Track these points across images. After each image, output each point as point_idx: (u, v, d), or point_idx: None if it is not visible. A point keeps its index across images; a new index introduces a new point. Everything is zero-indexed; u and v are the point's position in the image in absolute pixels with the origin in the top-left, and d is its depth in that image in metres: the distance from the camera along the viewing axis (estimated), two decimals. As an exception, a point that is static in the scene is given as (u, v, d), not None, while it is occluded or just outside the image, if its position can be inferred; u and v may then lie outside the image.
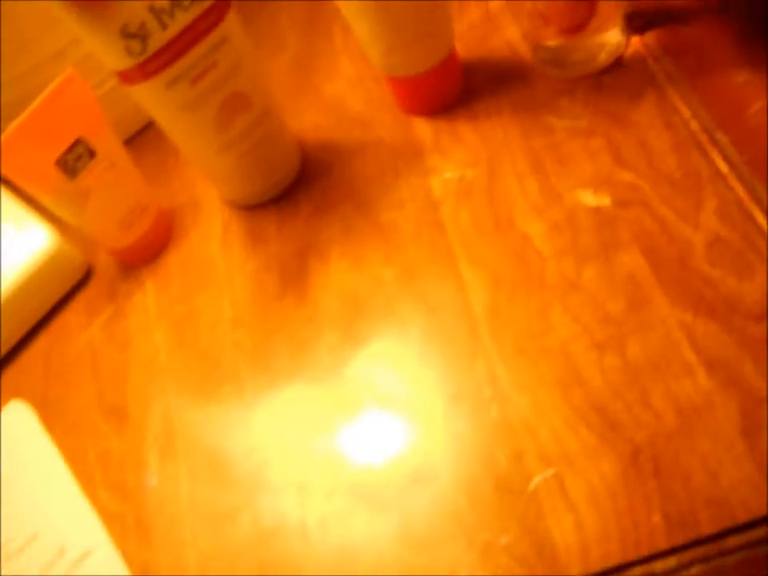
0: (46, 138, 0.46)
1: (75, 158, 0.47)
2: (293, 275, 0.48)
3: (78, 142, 0.47)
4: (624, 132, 0.46)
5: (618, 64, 0.49)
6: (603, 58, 0.48)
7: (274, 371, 0.45)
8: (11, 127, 0.45)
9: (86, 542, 0.43)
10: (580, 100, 0.49)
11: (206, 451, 0.44)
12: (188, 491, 0.43)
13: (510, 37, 0.53)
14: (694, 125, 0.45)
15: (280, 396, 0.44)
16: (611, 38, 0.48)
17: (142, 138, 0.59)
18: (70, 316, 0.53)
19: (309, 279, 0.48)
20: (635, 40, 0.49)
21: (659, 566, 0.34)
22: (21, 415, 0.48)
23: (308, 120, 0.55)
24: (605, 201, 0.44)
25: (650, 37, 0.49)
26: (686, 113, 0.45)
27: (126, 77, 0.44)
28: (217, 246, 0.52)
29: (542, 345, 0.41)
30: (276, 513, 0.41)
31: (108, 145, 0.48)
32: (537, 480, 0.37)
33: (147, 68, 0.43)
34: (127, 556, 0.42)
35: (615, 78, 0.49)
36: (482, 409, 0.40)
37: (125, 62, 0.43)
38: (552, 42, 0.48)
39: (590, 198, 0.45)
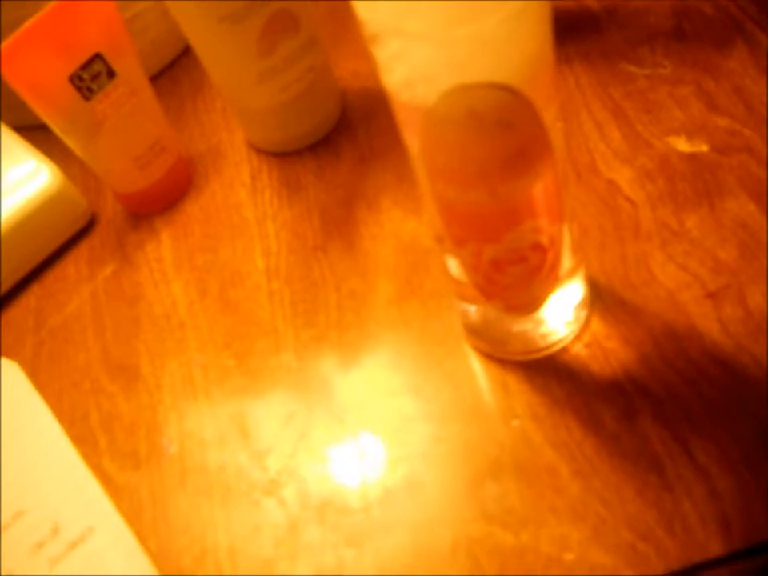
0: (61, 47, 0.39)
1: (92, 76, 0.41)
2: (337, 224, 0.42)
3: (96, 58, 0.41)
4: (715, 80, 0.42)
5: (700, 15, 0.45)
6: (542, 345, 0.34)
7: (321, 326, 0.38)
8: (20, 30, 0.38)
9: (88, 520, 0.35)
10: (661, 48, 0.44)
11: (237, 413, 0.37)
12: (216, 459, 0.35)
13: (574, -12, 0.49)
14: (796, 72, 0.40)
15: (330, 352, 0.37)
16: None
17: (156, 82, 0.52)
18: (69, 267, 0.45)
19: (357, 229, 0.41)
20: None
21: (821, 540, 0.28)
22: (7, 374, 0.41)
23: (347, 68, 0.49)
24: (701, 147, 0.39)
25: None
26: (785, 59, 0.41)
27: (164, -22, 0.38)
28: (244, 194, 0.45)
29: (645, 295, 0.35)
30: (327, 486, 0.34)
31: (130, 68, 0.42)
32: (655, 443, 0.31)
33: (190, -32, 0.37)
34: (140, 536, 0.34)
35: (697, 27, 0.44)
36: (581, 363, 0.34)
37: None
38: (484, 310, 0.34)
39: (683, 145, 0.40)
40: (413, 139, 0.27)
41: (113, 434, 0.38)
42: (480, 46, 0.23)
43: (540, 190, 0.27)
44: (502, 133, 0.25)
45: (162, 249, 0.44)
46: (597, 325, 0.35)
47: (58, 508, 0.36)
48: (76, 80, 0.40)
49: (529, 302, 0.32)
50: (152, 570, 0.33)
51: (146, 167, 0.44)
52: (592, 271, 0.36)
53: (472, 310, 0.34)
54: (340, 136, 0.46)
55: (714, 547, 0.28)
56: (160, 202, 0.46)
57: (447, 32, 0.22)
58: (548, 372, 0.34)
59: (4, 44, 0.38)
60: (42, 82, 0.40)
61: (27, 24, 0.38)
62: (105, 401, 0.39)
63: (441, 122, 0.25)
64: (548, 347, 0.34)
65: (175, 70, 0.54)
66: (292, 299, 0.40)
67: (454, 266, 0.32)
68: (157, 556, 0.33)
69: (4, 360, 0.41)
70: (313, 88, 0.44)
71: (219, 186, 0.46)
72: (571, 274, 0.33)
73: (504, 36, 0.23)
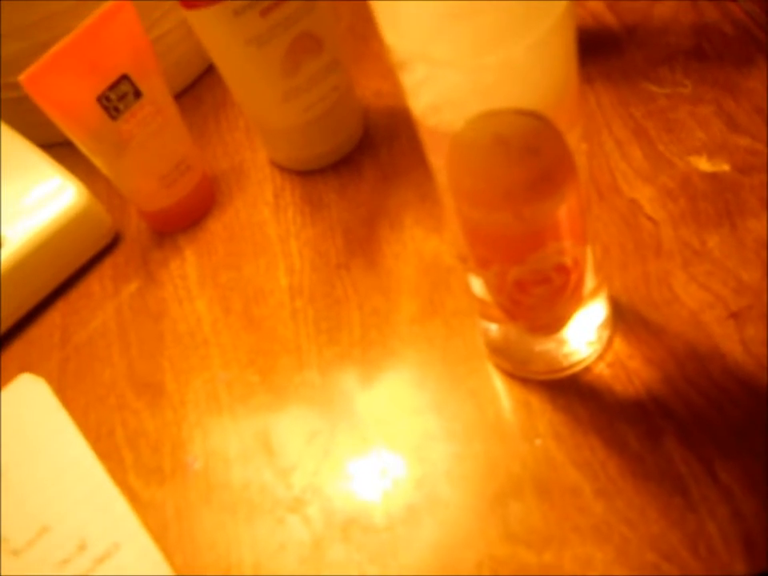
0: (89, 68, 0.40)
1: (119, 97, 0.41)
2: (360, 243, 0.42)
3: (123, 79, 0.41)
4: (736, 99, 0.42)
5: (720, 35, 0.45)
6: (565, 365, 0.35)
7: (345, 344, 0.39)
8: (50, 52, 0.39)
9: (114, 536, 0.35)
10: (681, 67, 0.44)
11: (261, 431, 0.37)
12: (241, 476, 0.36)
13: (593, 7, 0.49)
14: (818, 91, 0.41)
15: (353, 370, 0.38)
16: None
17: (179, 101, 0.53)
18: (94, 284, 0.46)
19: (380, 247, 0.42)
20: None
21: None
22: (33, 390, 0.41)
23: (369, 87, 0.50)
24: (723, 166, 0.39)
25: (750, 4, 0.45)
26: (807, 79, 0.41)
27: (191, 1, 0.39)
28: (268, 212, 0.46)
29: (667, 315, 0.35)
30: (351, 504, 0.34)
31: (156, 88, 0.43)
32: (679, 463, 0.31)
33: (216, -10, 0.38)
34: (165, 552, 0.34)
35: (717, 46, 0.45)
36: (604, 383, 0.34)
37: (193, -19, 0.37)
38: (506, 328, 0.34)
39: (704, 164, 0.40)
40: (438, 162, 0.27)
41: (138, 450, 0.38)
42: (507, 72, 0.23)
43: (564, 212, 0.28)
44: (529, 158, 0.25)
45: (186, 266, 0.44)
46: (619, 345, 0.35)
47: (83, 524, 0.36)
48: (103, 100, 0.41)
49: (552, 323, 0.32)
50: (177, 587, 0.33)
51: (171, 186, 0.45)
52: (614, 290, 0.36)
53: (495, 329, 0.35)
54: (362, 155, 0.47)
55: (739, 568, 0.28)
56: (184, 220, 0.46)
57: (474, 59, 0.23)
58: (571, 391, 0.34)
59: (34, 66, 0.38)
60: (71, 103, 0.40)
61: (57, 46, 0.39)
62: (130, 417, 0.39)
63: (467, 148, 0.25)
64: (571, 367, 0.34)
65: (198, 89, 0.55)
66: (315, 317, 0.40)
67: (477, 285, 0.32)
68: (182, 572, 0.34)
69: (30, 376, 0.42)
70: (336, 107, 0.44)
71: (242, 204, 0.47)
72: (594, 294, 0.33)
73: (531, 62, 0.23)
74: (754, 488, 0.30)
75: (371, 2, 0.23)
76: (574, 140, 0.26)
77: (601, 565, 0.30)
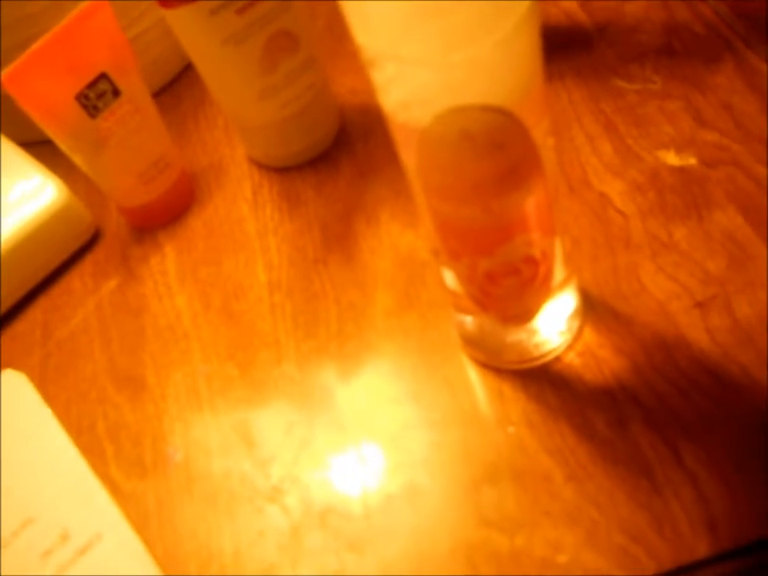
0: (68, 67, 0.41)
1: (98, 95, 0.42)
2: (337, 238, 0.43)
3: (101, 77, 0.42)
4: (704, 95, 0.43)
5: (690, 33, 0.46)
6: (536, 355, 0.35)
7: (322, 337, 0.39)
8: (29, 51, 0.39)
9: (96, 527, 0.36)
10: (651, 64, 0.45)
11: (241, 422, 0.38)
12: (221, 467, 0.36)
13: (566, 6, 0.50)
14: (782, 87, 0.42)
15: (330, 363, 0.38)
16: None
17: (158, 99, 0.53)
18: (74, 280, 0.46)
19: (356, 242, 0.42)
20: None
21: (806, 542, 0.29)
22: (15, 386, 0.42)
23: (345, 84, 0.51)
24: (690, 161, 0.40)
25: (720, 4, 0.47)
26: (772, 76, 0.42)
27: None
28: (246, 208, 0.46)
29: (636, 305, 0.36)
30: (329, 493, 0.35)
31: (134, 86, 0.43)
32: (646, 449, 0.32)
33: (192, -10, 0.38)
34: (147, 542, 0.35)
35: (687, 44, 0.46)
36: (574, 372, 0.35)
37: (169, -20, 0.38)
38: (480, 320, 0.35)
39: (672, 158, 0.41)
40: (409, 158, 0.28)
41: (119, 443, 0.39)
42: (474, 69, 0.24)
43: (531, 205, 0.28)
44: (495, 153, 0.26)
45: (166, 262, 0.45)
46: (589, 334, 0.36)
47: (66, 515, 0.37)
48: (82, 99, 0.41)
49: (523, 313, 0.33)
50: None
51: (149, 182, 0.45)
52: (584, 282, 0.37)
53: (468, 320, 0.35)
54: (339, 151, 0.47)
55: (702, 549, 0.29)
56: (163, 216, 0.47)
57: (443, 57, 0.24)
58: (542, 380, 0.35)
59: (14, 64, 0.39)
60: (50, 101, 0.41)
61: (36, 44, 0.39)
62: (111, 411, 0.40)
63: (435, 143, 0.26)
64: (542, 356, 0.35)
65: (177, 87, 0.55)
66: (293, 311, 0.41)
67: (449, 278, 0.33)
68: (164, 561, 0.34)
69: (12, 372, 0.42)
70: (312, 105, 0.45)
71: (221, 200, 0.47)
72: (563, 285, 0.34)
73: (497, 60, 0.24)
74: (717, 472, 0.31)
75: (341, 2, 0.24)
76: (540, 135, 0.27)
77: (571, 547, 0.31)
